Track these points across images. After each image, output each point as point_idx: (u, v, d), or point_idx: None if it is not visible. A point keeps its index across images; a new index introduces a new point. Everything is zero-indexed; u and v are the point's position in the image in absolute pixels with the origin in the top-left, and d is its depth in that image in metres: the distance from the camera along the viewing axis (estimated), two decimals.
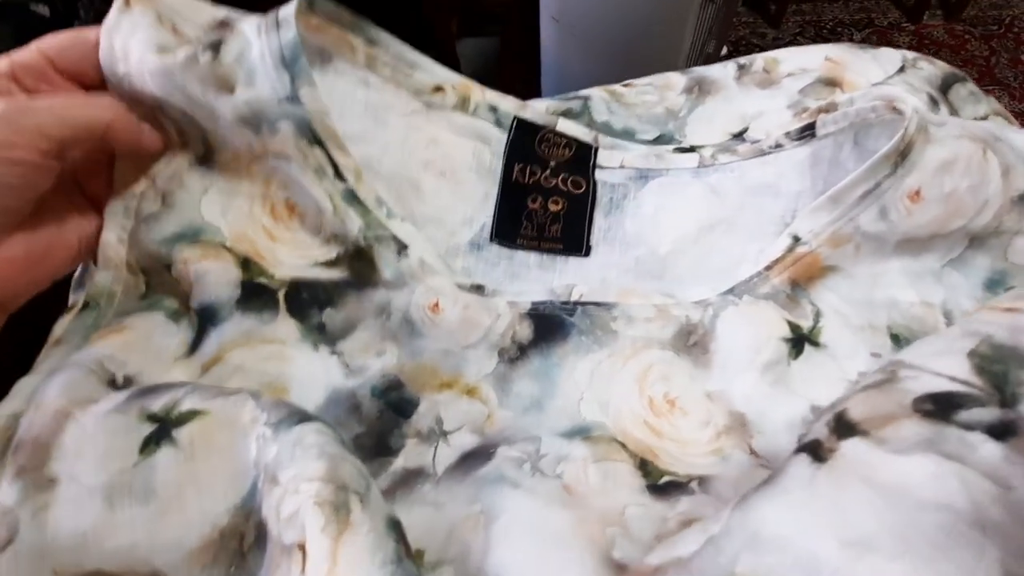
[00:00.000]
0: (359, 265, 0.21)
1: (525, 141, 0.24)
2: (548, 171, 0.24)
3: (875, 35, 0.97)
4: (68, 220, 0.19)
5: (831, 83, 0.24)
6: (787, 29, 0.95)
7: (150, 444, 0.15)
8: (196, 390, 0.16)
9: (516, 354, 0.21)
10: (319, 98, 0.20)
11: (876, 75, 0.24)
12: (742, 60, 0.26)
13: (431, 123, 0.24)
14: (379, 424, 0.19)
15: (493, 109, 0.24)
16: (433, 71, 0.24)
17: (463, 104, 0.24)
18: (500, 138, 0.24)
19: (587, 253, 0.23)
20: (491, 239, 0.23)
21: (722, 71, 0.26)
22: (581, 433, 0.19)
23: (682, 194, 0.23)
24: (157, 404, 0.15)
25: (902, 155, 0.19)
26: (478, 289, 0.21)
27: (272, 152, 0.20)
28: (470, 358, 0.21)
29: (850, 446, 0.12)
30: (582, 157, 0.24)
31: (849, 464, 0.12)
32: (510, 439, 0.19)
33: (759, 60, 0.26)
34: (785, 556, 0.11)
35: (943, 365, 0.13)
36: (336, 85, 0.22)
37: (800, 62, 0.25)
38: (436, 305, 0.21)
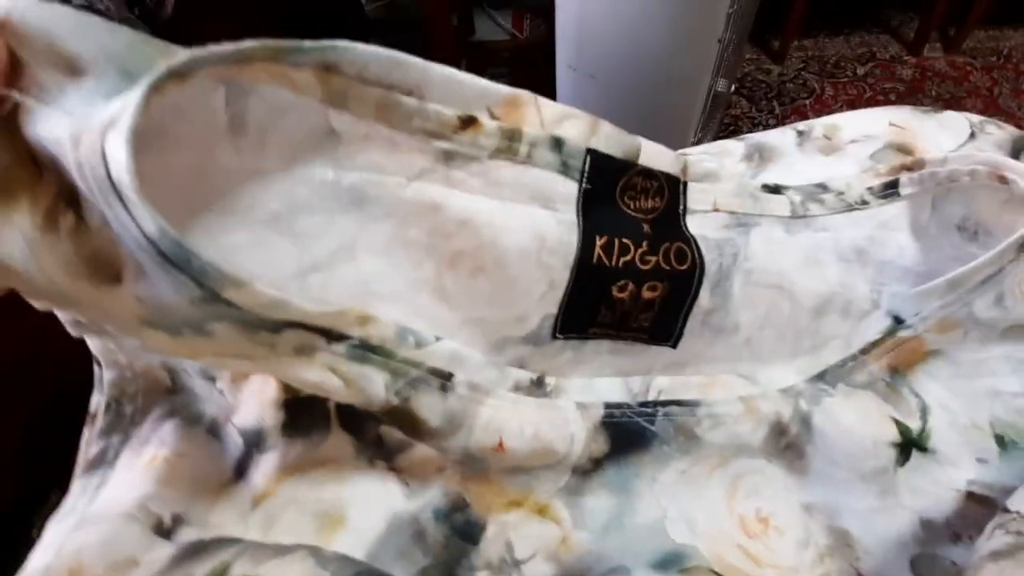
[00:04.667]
0: (399, 419, 0.16)
1: (605, 194, 0.16)
2: (644, 245, 0.17)
3: (878, 68, 0.98)
4: None
5: (903, 149, 0.23)
6: (791, 65, 0.96)
7: None
8: (247, 550, 0.14)
9: (590, 467, 0.19)
10: (261, 293, 0.12)
11: (948, 143, 0.23)
12: (799, 126, 0.25)
13: (455, 189, 0.15)
14: (446, 554, 0.17)
15: (558, 145, 0.15)
16: (455, 89, 0.14)
17: (510, 145, 0.15)
18: (569, 194, 0.16)
19: (675, 345, 0.19)
20: (553, 336, 0.18)
21: (780, 137, 0.25)
22: (675, 563, 0.17)
23: (779, 263, 0.20)
24: (204, 569, 0.13)
25: None
26: (538, 385, 0.19)
27: (213, 353, 0.13)
28: (540, 475, 0.18)
29: None
30: (673, 202, 0.17)
31: None
32: (592, 568, 0.17)
33: (817, 127, 0.25)
34: None
35: None
36: (276, 183, 0.14)
37: (862, 128, 0.24)
38: (500, 445, 0.17)
